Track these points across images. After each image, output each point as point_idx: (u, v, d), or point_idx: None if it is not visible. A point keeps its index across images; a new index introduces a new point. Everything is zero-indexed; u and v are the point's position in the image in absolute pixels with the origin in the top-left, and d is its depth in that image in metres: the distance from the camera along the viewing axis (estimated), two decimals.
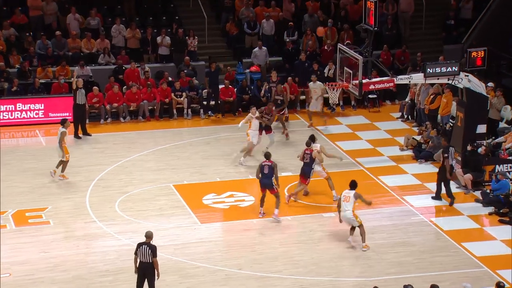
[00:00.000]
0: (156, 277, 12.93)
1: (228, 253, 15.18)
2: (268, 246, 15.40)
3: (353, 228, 15.30)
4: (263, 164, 16.28)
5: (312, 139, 17.40)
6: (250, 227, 16.24)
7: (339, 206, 15.25)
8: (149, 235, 12.97)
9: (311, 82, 21.81)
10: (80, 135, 21.17)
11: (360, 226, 15.20)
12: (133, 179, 18.55)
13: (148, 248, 12.86)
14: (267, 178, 16.18)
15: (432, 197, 17.45)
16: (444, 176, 17.11)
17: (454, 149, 18.45)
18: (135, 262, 12.98)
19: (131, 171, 19.04)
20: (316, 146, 17.26)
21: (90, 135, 21.22)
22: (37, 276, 14.08)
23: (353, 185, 15.39)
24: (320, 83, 21.57)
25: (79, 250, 15.18)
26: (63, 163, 18.29)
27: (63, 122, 18.56)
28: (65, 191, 17.77)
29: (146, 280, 12.96)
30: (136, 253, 12.96)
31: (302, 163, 17.22)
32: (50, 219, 16.39)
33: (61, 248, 15.23)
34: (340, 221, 15.32)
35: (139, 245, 12.95)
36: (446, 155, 17.22)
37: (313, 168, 17.09)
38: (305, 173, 17.13)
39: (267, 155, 16.47)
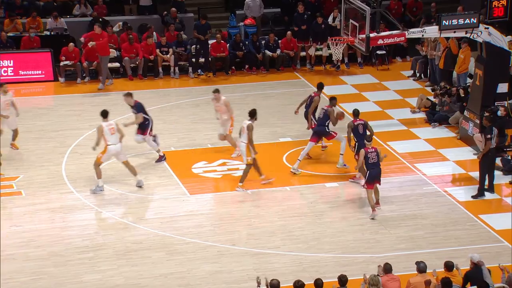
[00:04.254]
0: None
1: (220, 227, 15.25)
2: (264, 220, 15.48)
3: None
4: None
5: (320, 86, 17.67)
6: (244, 199, 16.30)
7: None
8: None
9: (214, 99, 17.94)
10: None
11: (248, 165, 15.68)
12: None
13: None
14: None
15: (474, 196, 16.23)
16: (489, 165, 16.05)
17: (471, 111, 18.44)
18: None
19: None
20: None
21: None
22: (9, 252, 14.13)
23: (252, 114, 16.21)
24: (225, 98, 17.88)
25: (54, 224, 15.22)
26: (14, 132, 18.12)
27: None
28: (38, 159, 17.77)
29: None
30: None
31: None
32: (22, 189, 16.41)
33: (35, 221, 15.27)
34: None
35: None
36: (488, 136, 15.92)
37: (327, 126, 16.98)
38: (319, 132, 17.07)
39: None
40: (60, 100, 21.43)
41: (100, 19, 24.01)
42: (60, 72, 22.55)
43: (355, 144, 16.37)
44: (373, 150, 15.32)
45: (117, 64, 23.05)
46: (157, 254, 14.23)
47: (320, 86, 18.31)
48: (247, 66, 23.52)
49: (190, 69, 23.18)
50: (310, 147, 17.36)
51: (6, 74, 22.28)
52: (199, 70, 23.21)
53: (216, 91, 17.93)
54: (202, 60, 23.14)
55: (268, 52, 23.45)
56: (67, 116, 20.21)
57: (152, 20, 24.52)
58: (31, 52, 22.51)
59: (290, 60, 23.66)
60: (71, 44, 22.50)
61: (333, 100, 17.59)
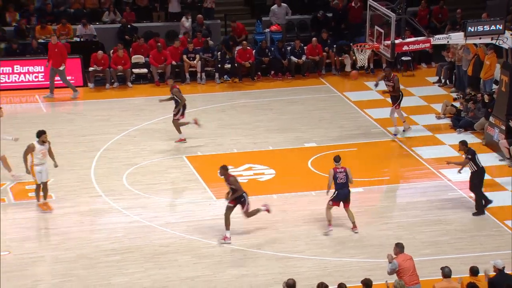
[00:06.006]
0: None
1: (246, 231, 15.27)
2: (290, 224, 15.48)
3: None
4: None
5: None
6: (270, 203, 16.29)
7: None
8: None
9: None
10: None
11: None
12: (141, 150, 18.66)
13: None
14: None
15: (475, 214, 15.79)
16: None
17: (496, 117, 18.32)
18: None
19: (140, 141, 19.15)
20: None
21: None
22: (39, 254, 14.28)
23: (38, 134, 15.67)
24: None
25: (83, 227, 15.35)
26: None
27: None
28: (68, 163, 17.93)
29: None
30: None
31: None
32: (52, 193, 16.56)
33: (64, 224, 15.40)
34: None
35: None
36: (470, 156, 15.51)
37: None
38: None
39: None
40: (89, 105, 21.63)
41: (129, 26, 24.22)
42: (90, 77, 22.77)
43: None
44: (342, 170, 14.81)
45: (144, 70, 23.22)
46: (184, 258, 14.29)
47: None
48: (272, 72, 23.57)
49: (217, 75, 23.28)
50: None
51: (37, 79, 22.55)
52: (225, 76, 23.30)
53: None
54: (228, 66, 23.24)
55: (293, 58, 23.48)
56: (96, 121, 20.39)
57: (179, 26, 24.64)
58: None
59: (315, 66, 23.67)
60: (100, 52, 22.69)
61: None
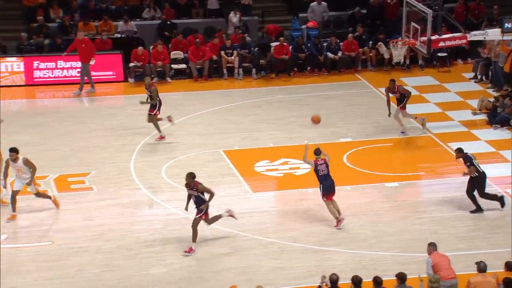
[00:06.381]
0: None
1: (281, 224, 15.27)
2: (325, 218, 15.42)
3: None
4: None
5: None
6: (305, 197, 16.27)
7: None
8: None
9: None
10: None
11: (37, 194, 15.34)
12: (180, 144, 18.75)
13: None
14: None
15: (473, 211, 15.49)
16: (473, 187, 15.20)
17: None
18: None
19: (178, 135, 19.24)
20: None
21: None
22: (81, 245, 14.44)
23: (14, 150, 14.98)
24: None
25: (124, 218, 15.48)
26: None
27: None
28: (109, 156, 18.09)
29: None
30: None
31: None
32: (94, 185, 16.73)
33: (105, 216, 15.54)
34: None
35: None
36: (468, 163, 15.08)
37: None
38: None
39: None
40: (129, 100, 21.79)
41: (168, 22, 24.34)
42: (130, 73, 22.93)
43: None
44: (323, 162, 14.64)
45: (183, 66, 23.31)
46: (220, 250, 14.33)
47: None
48: (308, 68, 23.49)
49: (254, 70, 23.27)
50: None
51: (79, 74, 22.75)
52: (262, 72, 23.28)
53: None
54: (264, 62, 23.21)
55: (329, 54, 23.36)
56: (136, 115, 20.51)
57: (218, 23, 24.71)
58: (103, 54, 22.94)
59: (351, 62, 23.53)
60: (140, 48, 22.83)
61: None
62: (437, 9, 18.56)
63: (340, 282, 11.59)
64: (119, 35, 23.94)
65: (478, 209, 15.42)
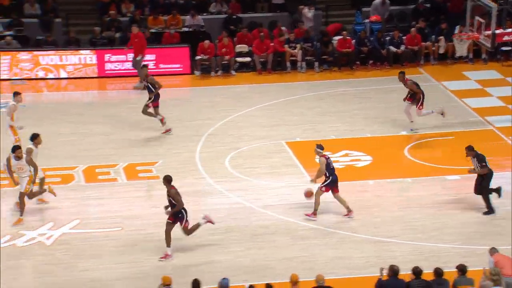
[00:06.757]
0: None
1: (342, 215, 15.24)
2: (385, 209, 15.35)
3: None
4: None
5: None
6: (366, 189, 16.21)
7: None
8: None
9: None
10: None
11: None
12: (243, 135, 18.88)
13: None
14: None
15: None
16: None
17: None
18: None
19: (242, 127, 19.38)
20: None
21: None
22: (149, 231, 14.69)
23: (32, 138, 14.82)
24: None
25: (188, 206, 15.63)
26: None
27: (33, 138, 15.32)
28: (174, 146, 18.35)
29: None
30: None
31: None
32: (161, 174, 16.96)
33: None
34: None
35: None
36: (484, 163, 14.84)
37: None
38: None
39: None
40: (195, 92, 22.04)
41: (234, 16, 24.48)
42: (196, 65, 23.18)
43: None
44: (329, 157, 15.00)
45: (248, 59, 23.43)
46: (282, 239, 14.41)
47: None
48: (371, 62, 23.31)
49: (316, 63, 23.23)
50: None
51: (148, 67, 23.04)
52: (324, 65, 23.22)
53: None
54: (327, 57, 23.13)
55: (392, 48, 23.13)
56: (202, 107, 20.75)
57: (282, 17, 24.73)
58: (171, 47, 23.24)
59: (414, 55, 23.25)
60: (207, 41, 23.04)
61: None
62: (502, 3, 18.18)
63: (402, 273, 11.51)
64: (186, 29, 24.21)
65: (491, 211, 15.02)
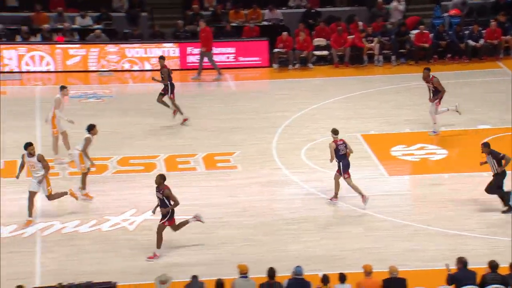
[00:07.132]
0: None
1: (416, 208, 15.08)
2: (459, 203, 15.08)
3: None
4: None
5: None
6: (441, 182, 15.96)
7: None
8: None
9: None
10: None
11: (83, 173, 15.32)
12: (319, 127, 18.86)
13: None
14: None
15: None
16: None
17: None
18: None
19: (318, 119, 19.37)
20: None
21: None
22: (226, 219, 14.88)
23: (88, 128, 15.30)
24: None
25: (264, 196, 15.83)
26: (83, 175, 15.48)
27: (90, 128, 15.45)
28: (252, 137, 18.51)
29: None
30: None
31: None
32: (238, 164, 17.20)
33: (248, 193, 15.91)
34: None
35: None
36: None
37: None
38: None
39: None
40: (273, 84, 22.15)
41: (313, 10, 24.44)
42: (275, 58, 23.28)
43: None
44: (342, 142, 14.91)
45: (325, 52, 23.36)
46: (356, 229, 14.37)
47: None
48: (449, 55, 22.87)
49: (393, 57, 22.95)
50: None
51: (228, 59, 23.35)
52: (401, 59, 22.92)
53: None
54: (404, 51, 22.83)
55: (471, 42, 22.62)
56: (279, 100, 20.84)
57: (360, 11, 24.56)
58: (251, 41, 23.42)
59: (493, 49, 22.67)
60: (285, 33, 23.10)
61: None
62: None
63: (476, 266, 11.32)
64: (266, 23, 24.32)
65: (510, 209, 14.51)
